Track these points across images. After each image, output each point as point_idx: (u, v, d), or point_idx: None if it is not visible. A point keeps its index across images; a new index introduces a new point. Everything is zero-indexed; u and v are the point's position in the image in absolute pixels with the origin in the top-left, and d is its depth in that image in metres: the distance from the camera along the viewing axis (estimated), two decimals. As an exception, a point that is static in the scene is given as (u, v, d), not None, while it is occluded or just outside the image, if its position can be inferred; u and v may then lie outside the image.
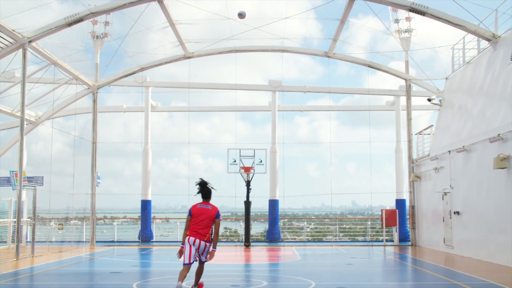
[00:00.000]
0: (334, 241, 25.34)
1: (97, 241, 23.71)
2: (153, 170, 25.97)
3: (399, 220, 23.53)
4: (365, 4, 18.07)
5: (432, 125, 22.59)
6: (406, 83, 23.70)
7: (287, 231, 29.17)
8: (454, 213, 18.48)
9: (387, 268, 15.88)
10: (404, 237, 24.07)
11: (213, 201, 9.44)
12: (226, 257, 18.15)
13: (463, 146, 17.56)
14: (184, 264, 8.89)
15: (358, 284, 11.90)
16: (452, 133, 19.66)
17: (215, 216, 9.08)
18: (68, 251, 20.35)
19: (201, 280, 9.54)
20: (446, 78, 21.91)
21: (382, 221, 23.33)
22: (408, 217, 24.19)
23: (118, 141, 47.02)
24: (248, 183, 22.57)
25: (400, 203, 24.77)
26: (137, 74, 24.19)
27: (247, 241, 22.58)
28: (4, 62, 18.32)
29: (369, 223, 28.55)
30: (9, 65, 18.62)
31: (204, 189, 9.33)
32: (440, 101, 22.00)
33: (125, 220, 42.71)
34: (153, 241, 24.90)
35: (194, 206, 9.21)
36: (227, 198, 23.04)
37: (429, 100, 22.03)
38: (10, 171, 19.98)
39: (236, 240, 26.31)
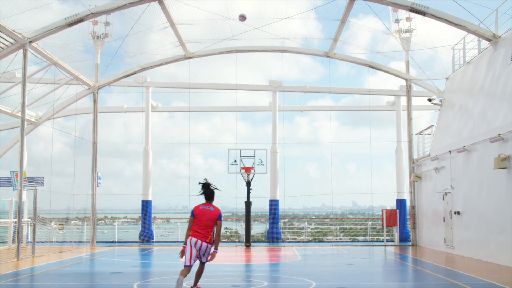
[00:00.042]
0: (334, 241, 25.34)
1: (97, 242, 23.71)
2: (153, 171, 26.02)
3: (400, 220, 23.52)
4: (366, 4, 18.07)
5: (432, 125, 22.59)
6: (407, 83, 23.70)
7: (287, 231, 29.17)
8: (455, 213, 18.48)
9: (387, 268, 15.88)
10: (404, 237, 24.07)
11: (214, 201, 9.45)
12: (226, 257, 18.14)
13: (464, 146, 17.56)
14: (184, 266, 8.91)
15: (359, 284, 11.90)
16: (453, 133, 19.65)
17: (217, 218, 9.12)
18: (68, 251, 20.35)
19: (199, 284, 9.54)
20: (447, 78, 21.90)
21: (382, 221, 23.33)
22: (408, 217, 24.19)
23: (118, 141, 47.17)
24: (248, 183, 22.57)
25: (400, 203, 24.76)
26: (137, 74, 24.20)
27: (248, 241, 22.58)
28: (5, 62, 18.33)
29: (370, 223, 28.57)
30: (10, 65, 18.62)
31: (207, 191, 9.36)
32: (440, 101, 21.99)
33: (126, 220, 42.74)
34: (153, 242, 24.91)
35: (197, 207, 9.25)
36: (227, 199, 23.05)
37: (430, 100, 22.02)
38: (10, 172, 19.99)
39: (237, 240, 26.31)
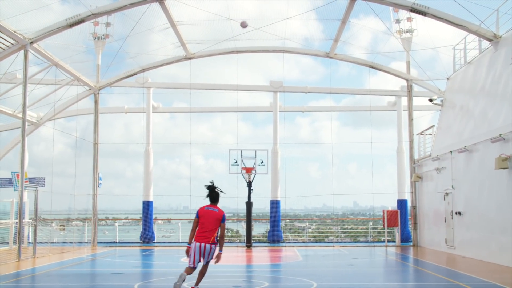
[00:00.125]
0: (335, 242, 25.32)
1: (98, 242, 23.72)
2: (154, 171, 25.99)
3: (401, 221, 23.48)
4: (366, 5, 18.07)
5: (433, 126, 22.58)
6: (408, 83, 23.70)
7: (288, 232, 29.16)
8: (456, 213, 18.46)
9: (388, 269, 15.86)
10: (405, 238, 24.04)
11: (218, 203, 9.66)
12: (227, 257, 18.13)
13: (465, 147, 17.54)
14: (188, 266, 9.14)
15: (360, 285, 11.89)
16: (454, 134, 19.64)
17: (221, 219, 9.31)
18: (69, 252, 20.36)
19: (200, 284, 9.59)
20: (448, 78, 21.89)
21: (383, 221, 23.30)
22: (409, 217, 24.17)
23: (119, 142, 46.74)
24: (249, 184, 22.57)
25: (401, 203, 24.73)
26: (138, 75, 24.23)
27: (249, 241, 22.58)
28: (6, 63, 18.35)
29: (371, 223, 28.53)
30: (11, 66, 18.68)
31: (213, 193, 9.59)
32: (441, 101, 21.98)
33: (127, 221, 42.70)
34: (154, 242, 24.91)
35: (201, 208, 9.46)
36: (228, 199, 23.01)
37: (431, 100, 22.01)
38: (11, 172, 20.01)
39: (238, 240, 26.32)
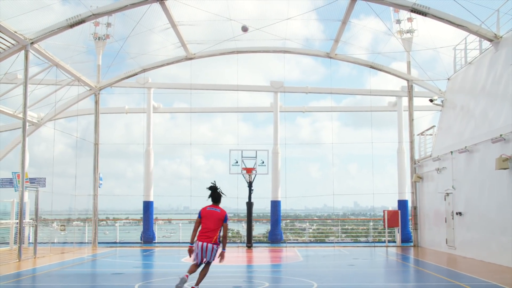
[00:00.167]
0: (336, 242, 25.31)
1: (99, 242, 23.72)
2: (155, 171, 26.01)
3: (401, 221, 23.47)
4: (367, 5, 18.07)
5: (434, 126, 22.57)
6: (408, 83, 23.69)
7: (289, 232, 29.16)
8: (456, 213, 18.45)
9: (389, 269, 15.86)
10: (406, 238, 24.03)
11: (220, 203, 9.75)
12: (228, 258, 18.07)
13: (465, 147, 17.54)
14: (193, 263, 9.32)
15: (360, 285, 11.89)
16: (454, 134, 19.64)
17: (223, 219, 9.42)
18: (70, 252, 20.37)
19: (200, 285, 9.63)
20: (448, 79, 21.89)
21: (384, 222, 23.29)
22: (410, 218, 24.15)
23: (120, 142, 46.81)
24: (250, 184, 22.57)
25: (402, 204, 24.73)
26: (139, 75, 24.24)
27: (249, 242, 22.58)
28: (7, 63, 18.37)
29: (371, 224, 28.54)
30: (12, 66, 18.67)
31: (215, 194, 9.68)
32: (442, 101, 21.97)
33: (127, 221, 42.74)
34: (155, 242, 24.91)
35: (204, 209, 9.56)
36: (229, 199, 22.97)
37: (431, 100, 22.00)
38: (12, 173, 20.04)
39: (238, 241, 26.32)
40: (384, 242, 23.69)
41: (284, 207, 25.04)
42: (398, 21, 23.24)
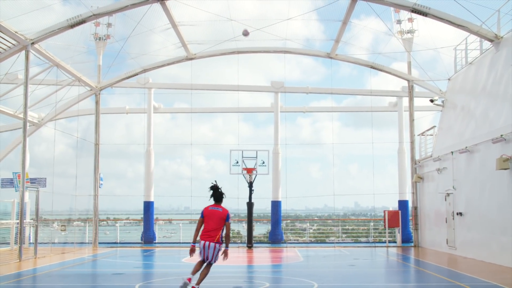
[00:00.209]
0: (336, 242, 25.30)
1: (99, 243, 23.73)
2: (155, 172, 26.02)
3: (402, 221, 23.46)
4: (367, 5, 18.07)
5: (434, 126, 22.56)
6: (409, 84, 23.69)
7: (289, 232, 29.16)
8: (457, 214, 18.45)
9: (390, 270, 15.86)
10: (406, 238, 24.03)
11: (222, 203, 9.79)
12: (229, 258, 18.11)
13: (466, 147, 17.53)
14: (198, 261, 9.46)
15: (361, 286, 11.89)
16: (455, 134, 19.63)
17: (225, 218, 9.49)
18: (70, 252, 20.37)
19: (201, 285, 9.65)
20: (449, 79, 21.89)
21: (384, 222, 23.29)
22: (410, 218, 24.14)
23: (120, 142, 46.76)
24: (250, 184, 22.57)
25: (402, 204, 24.71)
26: (139, 75, 24.24)
27: (250, 242, 22.58)
28: (7, 63, 18.38)
29: (372, 224, 28.51)
30: (12, 66, 18.68)
31: (216, 193, 9.74)
32: (442, 102, 21.97)
33: (128, 221, 42.72)
34: (155, 243, 24.91)
35: (206, 208, 9.63)
36: (229, 200, 22.84)
37: (432, 101, 22.00)
38: (13, 173, 20.06)
39: (239, 241, 26.31)
40: (385, 242, 23.68)
41: (284, 207, 25.07)
42: (399, 21, 23.25)
